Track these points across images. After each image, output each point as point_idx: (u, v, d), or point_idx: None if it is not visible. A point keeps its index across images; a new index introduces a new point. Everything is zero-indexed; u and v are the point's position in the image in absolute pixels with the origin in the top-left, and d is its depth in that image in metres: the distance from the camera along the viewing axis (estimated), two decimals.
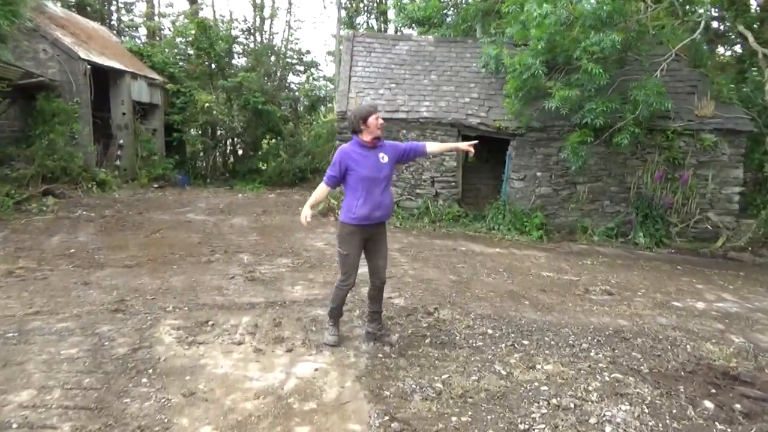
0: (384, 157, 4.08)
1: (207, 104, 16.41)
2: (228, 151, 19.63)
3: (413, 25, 16.48)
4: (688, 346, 4.87)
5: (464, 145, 4.39)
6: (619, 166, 10.19)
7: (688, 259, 9.23)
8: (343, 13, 22.36)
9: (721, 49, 12.42)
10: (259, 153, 19.08)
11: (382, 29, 23.27)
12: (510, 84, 9.66)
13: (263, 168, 18.50)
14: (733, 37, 12.36)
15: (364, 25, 23.70)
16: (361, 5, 23.38)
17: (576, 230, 10.27)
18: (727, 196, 10.13)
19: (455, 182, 10.79)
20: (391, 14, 22.54)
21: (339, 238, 4.21)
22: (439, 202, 10.71)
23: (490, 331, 4.87)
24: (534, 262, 8.04)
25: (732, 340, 5.15)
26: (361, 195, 4.00)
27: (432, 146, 4.36)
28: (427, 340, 4.59)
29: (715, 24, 11.38)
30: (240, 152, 19.56)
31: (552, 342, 4.73)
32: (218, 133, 18.39)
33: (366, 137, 4.05)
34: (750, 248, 9.90)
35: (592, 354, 4.53)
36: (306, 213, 4.11)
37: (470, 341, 4.63)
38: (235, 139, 18.96)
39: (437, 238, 9.33)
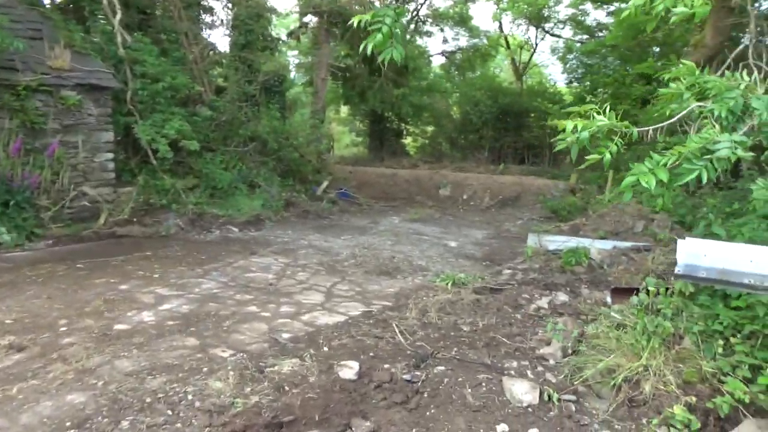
0: None
1: None
2: None
3: None
4: (191, 397, 3.40)
5: None
6: None
7: (79, 250, 7.39)
8: None
9: None
10: None
11: None
12: None
13: None
14: None
15: None
16: None
17: None
18: (102, 165, 8.65)
19: None
20: None
21: None
22: None
23: None
24: None
25: (222, 358, 4.01)
26: None
27: None
28: None
29: None
30: None
31: None
32: None
33: None
34: (135, 219, 8.96)
35: None
36: None
37: None
38: None
39: None
